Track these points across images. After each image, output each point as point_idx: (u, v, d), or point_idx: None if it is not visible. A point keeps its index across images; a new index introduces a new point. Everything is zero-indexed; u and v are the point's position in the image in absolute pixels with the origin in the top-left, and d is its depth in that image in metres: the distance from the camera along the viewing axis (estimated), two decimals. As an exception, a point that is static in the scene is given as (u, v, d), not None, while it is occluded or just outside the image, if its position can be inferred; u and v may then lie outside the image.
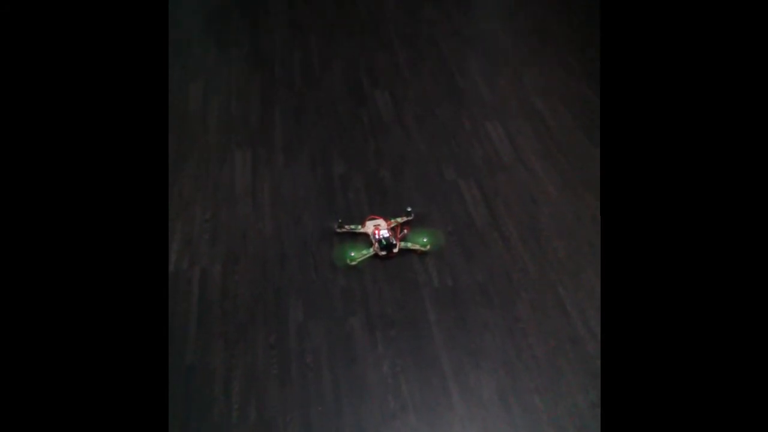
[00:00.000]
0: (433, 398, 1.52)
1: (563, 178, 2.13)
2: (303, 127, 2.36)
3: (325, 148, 2.26)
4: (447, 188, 2.10)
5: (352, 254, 1.81)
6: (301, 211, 2.01)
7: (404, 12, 3.10)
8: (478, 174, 2.15)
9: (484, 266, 1.84)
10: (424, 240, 1.85)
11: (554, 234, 1.93)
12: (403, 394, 1.53)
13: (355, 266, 1.80)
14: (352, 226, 1.90)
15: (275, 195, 2.07)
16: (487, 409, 1.49)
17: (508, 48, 2.83)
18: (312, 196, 2.07)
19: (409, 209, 1.93)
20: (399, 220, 1.92)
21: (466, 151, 2.25)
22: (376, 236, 1.84)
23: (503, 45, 2.85)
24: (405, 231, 1.87)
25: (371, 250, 1.83)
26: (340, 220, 1.90)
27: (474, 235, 1.93)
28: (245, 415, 1.49)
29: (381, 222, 1.89)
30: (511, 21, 3.06)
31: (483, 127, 2.35)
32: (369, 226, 1.88)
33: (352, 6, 3.16)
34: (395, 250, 1.82)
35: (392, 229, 1.87)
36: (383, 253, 1.81)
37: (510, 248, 1.89)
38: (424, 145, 2.28)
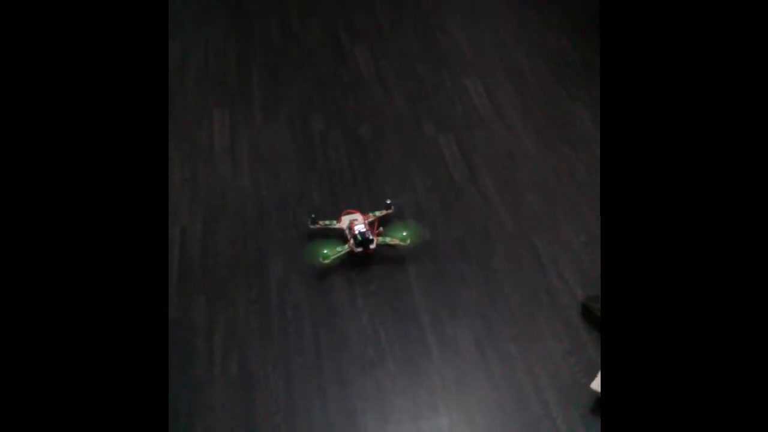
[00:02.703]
0: (411, 348, 1.56)
1: (541, 133, 2.14)
2: (281, 85, 2.35)
3: (304, 106, 2.26)
4: (426, 144, 2.11)
5: (325, 251, 1.70)
6: (280, 169, 2.02)
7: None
8: (456, 130, 2.16)
9: (462, 220, 1.86)
10: (404, 234, 1.75)
11: (531, 188, 1.96)
12: (382, 344, 1.56)
13: (329, 264, 1.71)
14: (327, 222, 1.79)
15: (254, 153, 2.08)
16: (463, 358, 1.54)
17: (488, 5, 2.81)
18: (291, 153, 2.07)
19: (388, 201, 1.83)
20: (377, 213, 1.81)
21: (445, 107, 2.25)
22: (352, 232, 1.72)
23: (484, 2, 2.83)
24: (381, 228, 1.77)
25: (346, 246, 1.72)
26: (313, 215, 1.79)
27: (452, 191, 1.95)
28: (227, 368, 1.52)
29: (358, 216, 1.77)
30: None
31: (462, 83, 2.35)
32: (345, 221, 1.78)
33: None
34: (372, 246, 1.71)
35: (370, 224, 1.77)
36: (359, 249, 1.71)
37: (487, 202, 1.91)
38: (403, 102, 2.27)
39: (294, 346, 1.56)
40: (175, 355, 1.54)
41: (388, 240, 1.75)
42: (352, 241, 1.72)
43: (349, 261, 1.74)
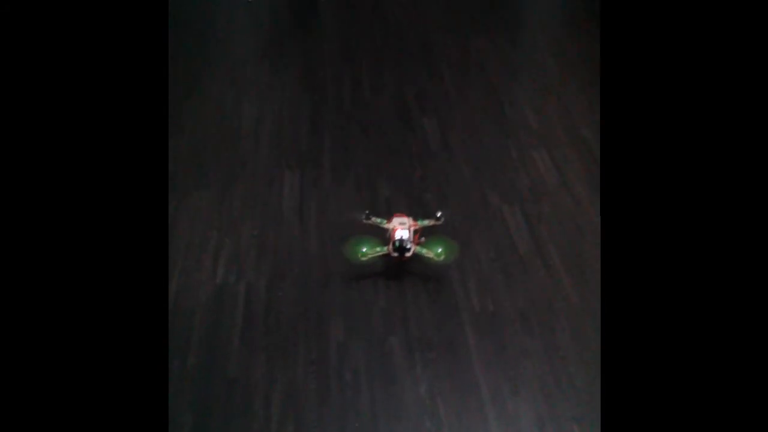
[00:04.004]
0: (470, 422, 1.52)
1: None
2: (351, 150, 2.42)
3: (371, 171, 2.31)
4: (491, 214, 2.11)
5: (364, 249, 1.79)
6: (346, 233, 2.05)
7: (453, 40, 3.15)
8: (522, 201, 2.15)
9: (526, 293, 1.83)
10: (439, 250, 1.80)
11: (597, 263, 1.92)
12: (440, 416, 1.53)
13: (364, 261, 1.79)
14: (378, 220, 1.87)
15: (321, 216, 2.12)
16: (524, 437, 1.49)
17: (556, 78, 2.84)
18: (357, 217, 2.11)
19: (439, 214, 1.88)
20: (425, 222, 1.87)
21: (511, 178, 2.26)
22: (393, 236, 1.78)
23: (551, 75, 2.87)
24: (423, 239, 1.82)
25: (384, 248, 1.78)
26: (367, 212, 1.88)
27: (516, 262, 1.93)
28: (283, 429, 1.51)
29: (406, 221, 1.82)
30: (560, 51, 3.07)
31: (529, 155, 2.36)
32: (394, 222, 1.83)
33: (402, 33, 3.23)
34: (408, 255, 1.78)
35: (414, 232, 1.82)
36: (395, 254, 1.77)
37: (552, 276, 1.88)
38: (469, 172, 2.30)
39: (351, 410, 1.55)
40: (233, 413, 1.55)
41: (424, 252, 1.79)
42: (391, 245, 1.77)
43: (388, 273, 1.74)
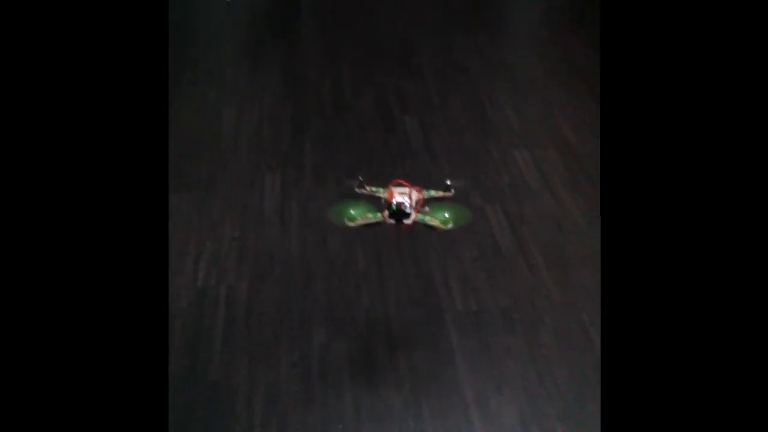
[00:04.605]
0: (453, 423, 1.51)
1: (591, 206, 2.13)
2: (332, 152, 2.40)
3: (353, 172, 2.29)
4: (473, 213, 2.10)
5: (353, 212, 1.52)
6: (327, 233, 2.04)
7: (435, 41, 3.15)
8: (504, 200, 2.16)
9: (509, 292, 1.83)
10: (445, 215, 1.52)
11: (580, 261, 1.92)
12: (424, 417, 1.52)
13: (353, 226, 1.51)
14: (374, 189, 1.59)
15: (303, 217, 2.11)
16: (508, 436, 1.48)
17: (538, 78, 2.85)
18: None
19: (448, 182, 1.60)
20: (432, 192, 1.59)
21: (493, 178, 2.26)
22: (390, 199, 1.49)
23: (533, 75, 2.88)
24: (427, 208, 1.53)
25: (379, 215, 1.50)
26: (361, 178, 1.61)
27: (499, 261, 1.93)
28: (266, 431, 1.50)
29: (407, 189, 1.52)
30: (541, 52, 3.08)
31: (511, 155, 2.37)
32: (392, 190, 1.54)
33: (383, 34, 3.22)
34: (408, 221, 1.48)
35: (416, 202, 1.53)
36: (391, 221, 1.49)
37: (535, 274, 1.89)
38: (451, 171, 2.29)
39: (334, 412, 1.54)
40: (215, 417, 1.53)
41: (427, 219, 1.51)
42: (387, 211, 1.49)
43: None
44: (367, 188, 1.61)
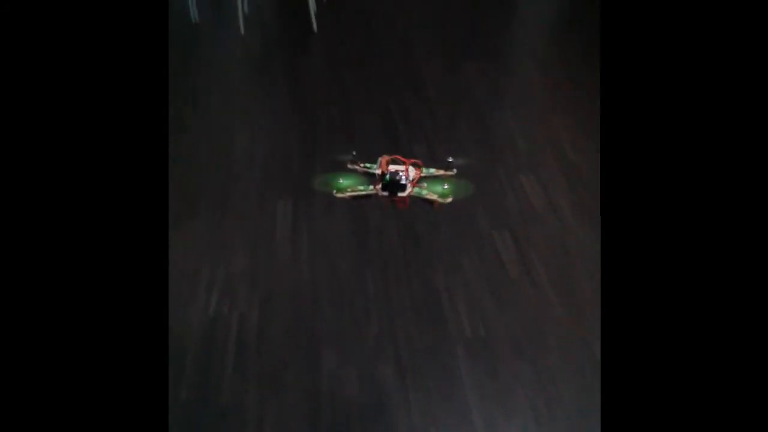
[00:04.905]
0: (462, 449, 1.52)
1: (596, 228, 2.14)
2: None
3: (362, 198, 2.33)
4: (480, 237, 2.13)
5: (342, 181, 1.45)
6: (337, 259, 2.06)
7: (442, 66, 3.19)
8: (511, 223, 2.18)
9: (516, 316, 1.85)
10: (444, 187, 1.46)
11: (586, 284, 1.94)
12: (432, 443, 1.54)
13: (340, 197, 1.42)
14: (368, 165, 1.53)
15: (313, 242, 2.14)
16: (516, 462, 1.49)
17: (543, 102, 2.88)
18: (348, 244, 2.12)
19: (450, 159, 1.51)
20: (432, 171, 1.51)
21: (500, 200, 2.28)
22: (383, 170, 1.38)
23: (539, 99, 2.91)
24: (425, 184, 1.44)
25: (371, 187, 1.44)
26: (354, 153, 1.55)
27: (506, 285, 1.95)
28: (277, 458, 1.51)
29: (404, 166, 1.42)
30: (547, 76, 3.12)
31: (517, 179, 2.39)
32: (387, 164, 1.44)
33: (392, 59, 3.27)
34: (403, 194, 1.42)
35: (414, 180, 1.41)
36: (384, 193, 1.42)
37: (542, 298, 1.90)
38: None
39: (344, 439, 1.55)
40: (226, 442, 1.55)
41: (424, 193, 1.44)
42: (380, 183, 1.42)
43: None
44: (361, 165, 1.53)
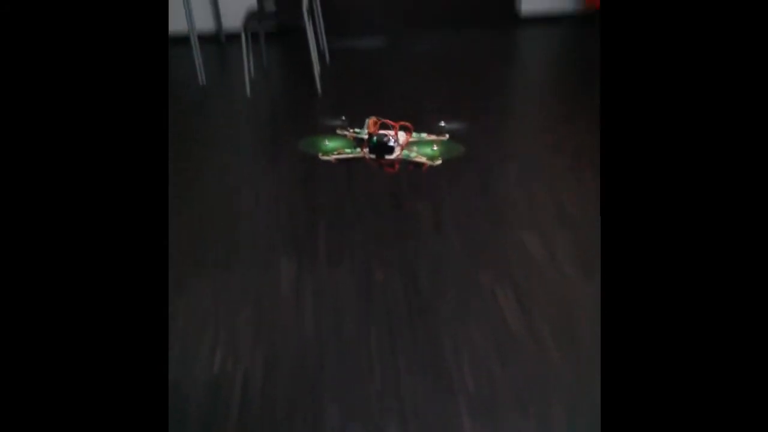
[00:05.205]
0: (467, 508, 1.51)
1: (598, 283, 2.16)
2: (346, 234, 2.48)
3: (366, 253, 2.36)
4: (483, 294, 2.15)
5: (328, 144, 1.43)
6: (342, 316, 2.08)
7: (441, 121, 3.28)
8: (514, 280, 2.20)
9: (520, 373, 1.85)
10: (433, 148, 1.42)
11: (591, 340, 1.94)
12: (437, 502, 1.52)
13: (326, 160, 1.41)
14: (357, 130, 1.48)
15: (317, 299, 2.16)
16: None
17: (543, 159, 2.94)
18: (352, 300, 2.14)
19: (442, 123, 1.51)
20: (424, 135, 1.48)
21: (502, 257, 2.31)
22: (370, 131, 1.35)
23: (538, 156, 2.97)
24: (415, 148, 1.42)
25: (358, 150, 1.42)
26: (343, 118, 1.52)
27: (510, 342, 1.96)
28: None
29: (394, 132, 1.38)
30: (546, 134, 3.19)
31: (519, 235, 2.42)
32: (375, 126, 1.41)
33: (396, 117, 3.36)
34: (391, 156, 1.39)
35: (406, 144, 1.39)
36: (372, 156, 1.39)
37: (545, 354, 1.90)
38: (460, 251, 2.35)
39: (348, 499, 1.54)
40: (229, 502, 1.54)
41: (413, 156, 1.41)
42: (367, 147, 1.38)
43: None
44: (350, 130, 1.49)
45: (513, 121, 3.40)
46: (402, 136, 1.36)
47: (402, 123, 1.34)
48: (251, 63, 3.86)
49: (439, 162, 1.40)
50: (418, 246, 2.40)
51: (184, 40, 4.10)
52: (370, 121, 1.37)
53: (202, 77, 3.89)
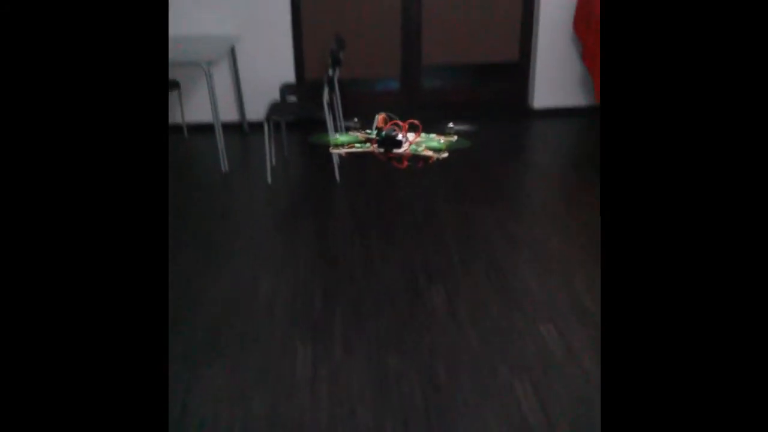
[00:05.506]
0: None
1: (617, 379, 2.13)
2: (361, 321, 2.49)
3: (382, 342, 2.36)
4: (500, 385, 2.13)
5: (339, 137, 1.47)
6: (356, 404, 2.06)
7: (458, 215, 3.34)
8: (531, 373, 2.18)
9: (539, 470, 1.81)
10: (440, 141, 1.46)
11: (610, 438, 1.90)
12: None
13: (336, 152, 1.44)
14: (369, 132, 1.51)
15: (332, 387, 2.14)
16: None
17: (556, 251, 2.97)
18: (367, 389, 2.13)
19: (451, 125, 1.52)
20: (432, 136, 1.51)
21: (519, 349, 2.30)
22: (379, 126, 1.43)
23: (552, 248, 3.00)
24: (419, 138, 1.46)
25: (368, 145, 1.46)
26: (356, 119, 1.53)
27: (528, 437, 1.92)
28: None
29: (403, 130, 1.46)
30: (559, 225, 3.24)
31: (535, 326, 2.42)
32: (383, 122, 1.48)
33: (409, 209, 3.43)
34: (399, 150, 1.42)
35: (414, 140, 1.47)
36: (380, 150, 1.43)
37: (565, 452, 1.86)
38: (477, 343, 2.35)
39: None
40: None
41: (420, 150, 1.44)
42: (375, 137, 1.44)
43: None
44: (362, 132, 1.52)
45: (525, 211, 3.46)
46: (411, 135, 1.45)
47: (411, 121, 1.45)
48: (272, 151, 3.99)
49: (445, 155, 1.42)
50: (433, 334, 2.39)
51: (209, 128, 4.27)
52: (380, 117, 1.47)
53: (225, 164, 4.01)
